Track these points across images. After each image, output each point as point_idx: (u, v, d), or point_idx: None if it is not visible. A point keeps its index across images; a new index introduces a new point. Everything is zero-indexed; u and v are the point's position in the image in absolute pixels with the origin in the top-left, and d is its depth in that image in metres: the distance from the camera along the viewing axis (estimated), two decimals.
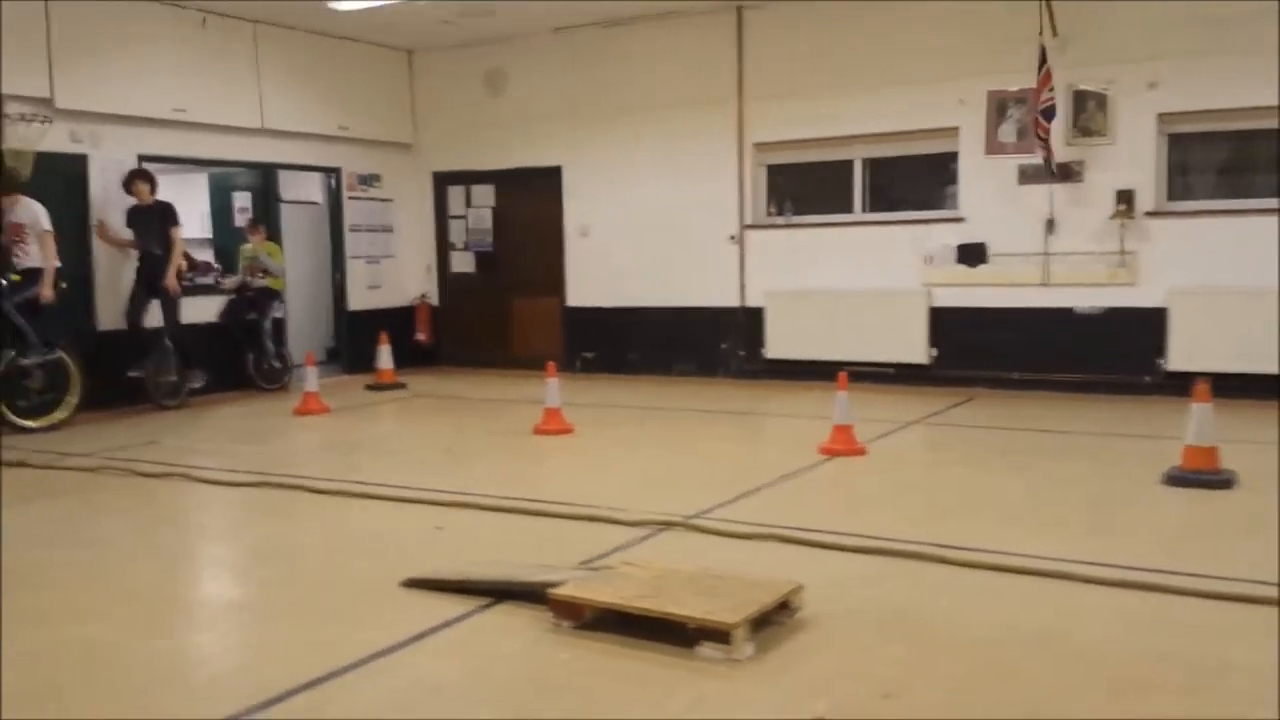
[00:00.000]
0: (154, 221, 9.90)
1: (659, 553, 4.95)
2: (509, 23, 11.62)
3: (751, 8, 11.00)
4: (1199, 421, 6.15)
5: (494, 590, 4.39)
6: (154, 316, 10.03)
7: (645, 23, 11.51)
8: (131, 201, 9.93)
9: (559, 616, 4.04)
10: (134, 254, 10.09)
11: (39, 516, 6.10)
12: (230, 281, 11.26)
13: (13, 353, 8.79)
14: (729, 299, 11.43)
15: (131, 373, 9.70)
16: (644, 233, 11.76)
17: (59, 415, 9.06)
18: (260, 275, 11.13)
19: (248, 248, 11.26)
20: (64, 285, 9.30)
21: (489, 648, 3.95)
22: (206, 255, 13.05)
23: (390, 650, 3.87)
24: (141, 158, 10.33)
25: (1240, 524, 5.43)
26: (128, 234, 10.01)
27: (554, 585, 4.13)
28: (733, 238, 11.36)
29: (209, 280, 11.53)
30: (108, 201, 10.04)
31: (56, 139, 9.55)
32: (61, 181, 9.62)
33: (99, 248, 10.04)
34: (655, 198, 11.72)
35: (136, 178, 9.86)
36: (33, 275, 8.89)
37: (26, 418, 8.88)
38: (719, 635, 3.70)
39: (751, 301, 11.30)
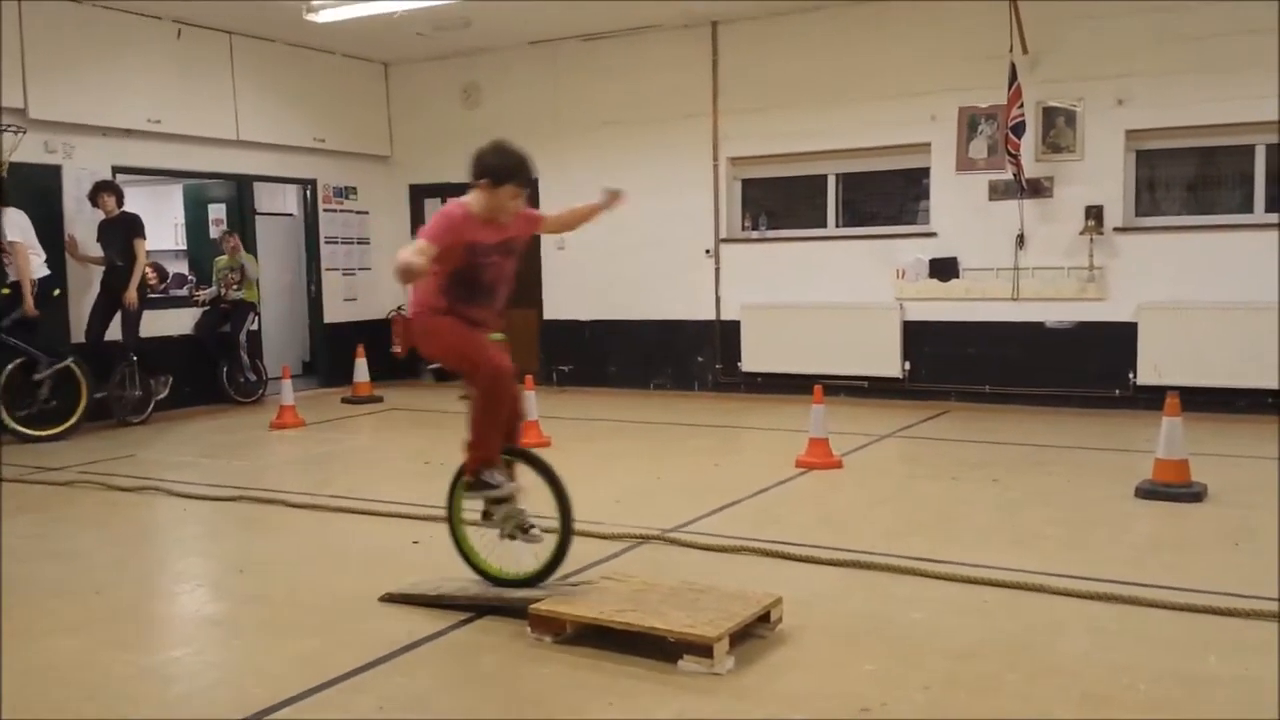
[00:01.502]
0: (119, 233, 9.80)
1: (638, 566, 4.97)
2: (485, 36, 11.65)
3: (726, 23, 11.08)
4: (1169, 435, 6.24)
5: (473, 605, 4.40)
6: (114, 330, 9.95)
7: (621, 37, 11.57)
8: (102, 215, 9.85)
9: (539, 631, 4.06)
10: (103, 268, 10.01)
11: (12, 530, 6.05)
12: (205, 294, 11.20)
13: (18, 362, 8.92)
14: (705, 313, 11.49)
15: (96, 394, 9.63)
16: (621, 246, 11.79)
17: (66, 425, 9.19)
18: (235, 286, 11.08)
19: (222, 260, 11.21)
20: (57, 292, 9.41)
21: (468, 663, 3.96)
22: (181, 268, 13.02)
23: (369, 666, 3.88)
24: (116, 169, 10.30)
25: (1211, 537, 5.50)
26: (96, 250, 9.90)
27: (534, 600, 4.15)
28: (708, 252, 11.41)
29: (183, 293, 11.50)
30: (80, 213, 9.97)
31: (30, 149, 9.48)
32: (35, 192, 9.56)
33: (70, 261, 9.96)
34: (631, 211, 11.51)
35: (101, 190, 9.76)
36: (17, 290, 8.92)
37: (31, 427, 8.96)
38: (700, 649, 3.73)
39: (727, 315, 11.35)
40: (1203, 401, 8.69)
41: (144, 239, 9.94)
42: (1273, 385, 8.90)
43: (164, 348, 10.52)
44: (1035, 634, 4.11)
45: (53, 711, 3.59)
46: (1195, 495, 6.12)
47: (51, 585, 5.00)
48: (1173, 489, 6.15)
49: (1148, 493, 6.21)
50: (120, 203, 9.87)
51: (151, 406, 10.04)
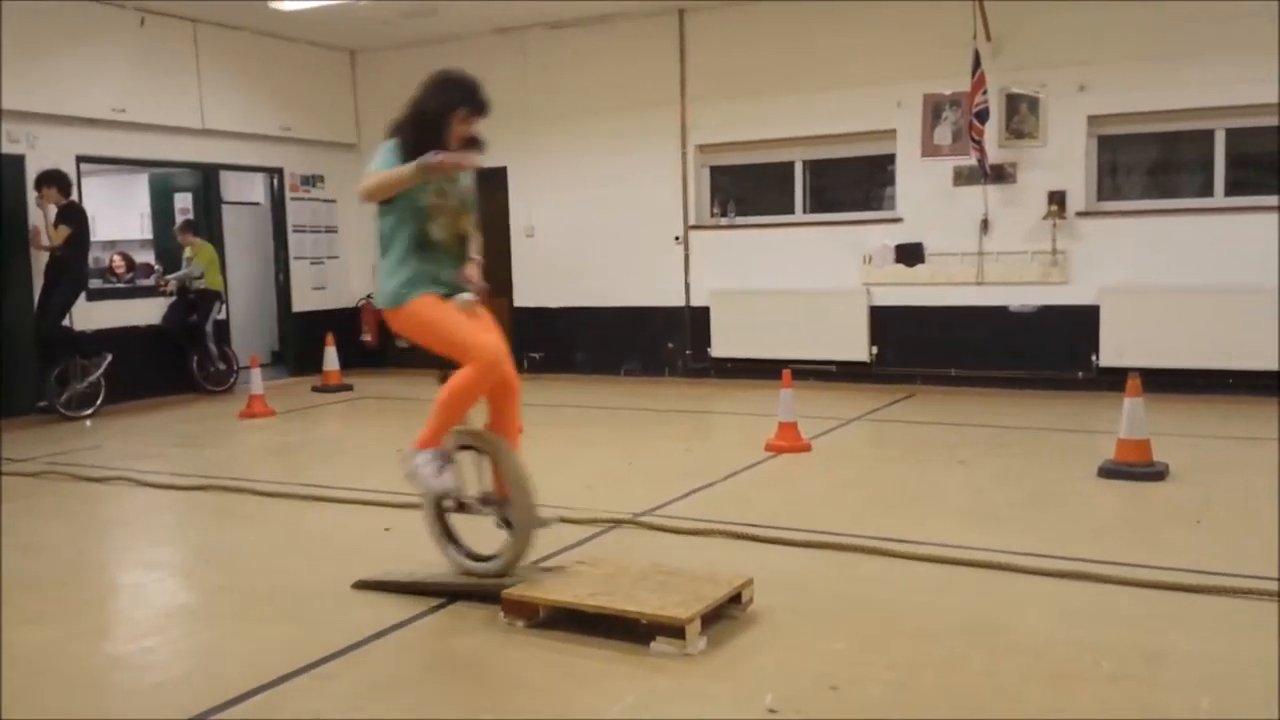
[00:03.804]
0: (59, 223, 9.60)
1: (609, 550, 5.02)
2: (451, 23, 11.60)
3: (693, 10, 11.09)
4: (1131, 416, 6.34)
5: (445, 590, 4.43)
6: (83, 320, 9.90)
7: (588, 24, 11.56)
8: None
9: (511, 615, 4.09)
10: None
11: None
12: (170, 283, 11.12)
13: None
14: (675, 299, 11.53)
15: (41, 403, 9.56)
16: (590, 233, 11.82)
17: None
18: (198, 278, 11.01)
19: (189, 253, 11.13)
20: None
21: (442, 648, 3.99)
22: (147, 257, 12.91)
23: (342, 652, 3.90)
24: (80, 158, 10.21)
25: (1173, 515, 5.60)
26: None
27: (506, 584, 4.18)
28: (677, 238, 11.45)
29: (150, 282, 11.41)
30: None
31: None
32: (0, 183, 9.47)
33: (36, 254, 9.86)
34: (600, 199, 11.78)
35: (43, 183, 9.54)
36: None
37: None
38: (672, 630, 3.77)
39: (697, 301, 11.40)
40: (1164, 383, 8.82)
41: (71, 227, 9.55)
42: (1231, 366, 9.05)
43: (131, 337, 10.47)
44: (1000, 612, 4.18)
45: (25, 702, 3.58)
46: (1157, 474, 6.23)
47: (20, 577, 4.97)
48: (1135, 468, 6.26)
49: (1110, 472, 6.31)
50: (67, 194, 9.64)
51: (99, 399, 9.83)
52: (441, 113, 4.34)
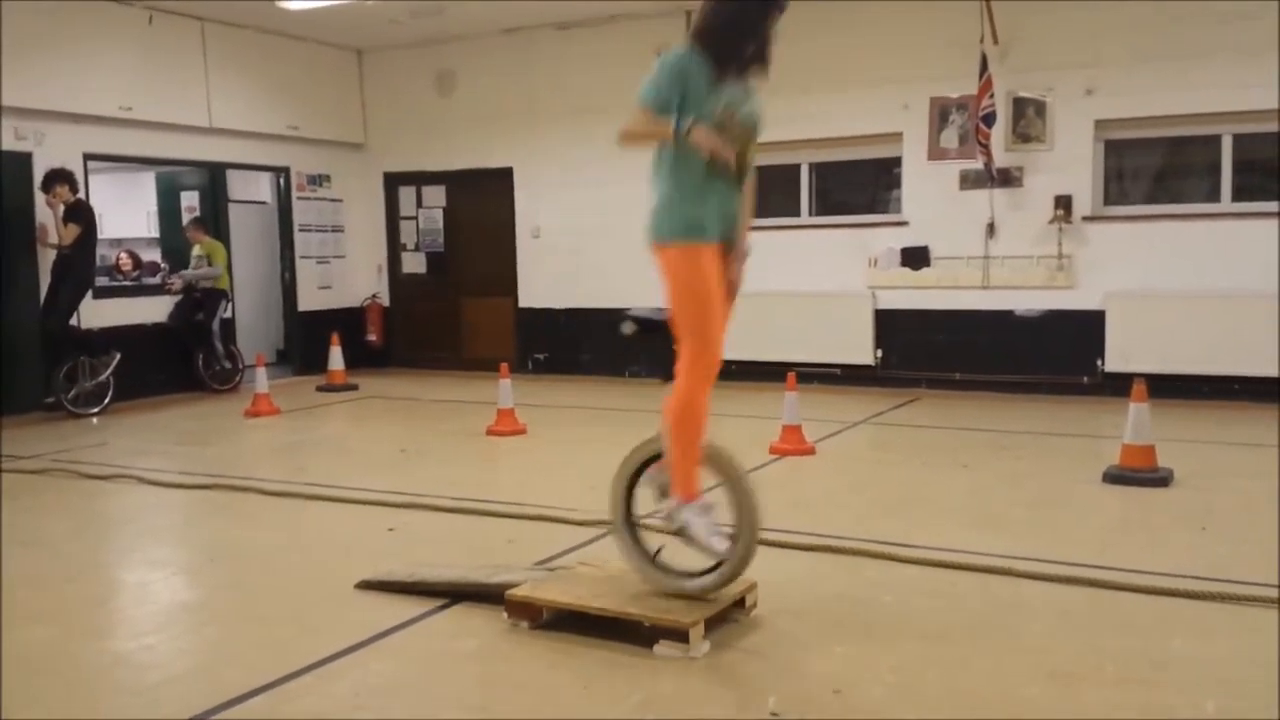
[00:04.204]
0: (67, 221, 9.62)
1: (613, 553, 4.99)
2: (459, 23, 11.62)
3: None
4: (1136, 421, 6.32)
5: (449, 591, 4.42)
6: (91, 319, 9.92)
7: (595, 25, 11.55)
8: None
9: (515, 617, 4.08)
10: None
11: None
12: (177, 282, 11.14)
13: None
14: None
15: (49, 399, 9.57)
16: (596, 234, 11.81)
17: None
18: (215, 279, 11.03)
19: (197, 250, 11.14)
20: None
21: (444, 649, 3.99)
22: (154, 255, 12.94)
23: (345, 652, 3.89)
24: (87, 156, 10.22)
25: (1177, 521, 5.59)
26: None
27: (510, 586, 4.17)
28: None
29: (156, 281, 11.43)
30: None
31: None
32: (6, 180, 9.48)
33: (42, 251, 9.88)
34: (607, 199, 11.76)
35: (53, 181, 9.55)
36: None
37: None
38: (676, 634, 3.76)
39: None
40: (1169, 388, 8.80)
41: (79, 224, 9.59)
42: (1236, 372, 9.03)
43: (137, 335, 10.49)
44: (1004, 616, 4.17)
45: (27, 700, 3.59)
46: (1161, 480, 6.21)
47: (23, 574, 4.98)
48: (1139, 474, 6.24)
49: (1115, 478, 6.29)
50: (74, 191, 9.68)
51: (108, 395, 9.85)
52: (760, 9, 3.79)
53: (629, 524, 4.18)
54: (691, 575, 4.01)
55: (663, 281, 3.86)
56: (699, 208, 3.79)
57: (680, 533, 3.93)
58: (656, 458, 4.12)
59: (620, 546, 4.17)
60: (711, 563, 3.98)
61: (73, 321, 9.75)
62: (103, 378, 9.80)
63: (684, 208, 3.79)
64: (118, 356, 9.88)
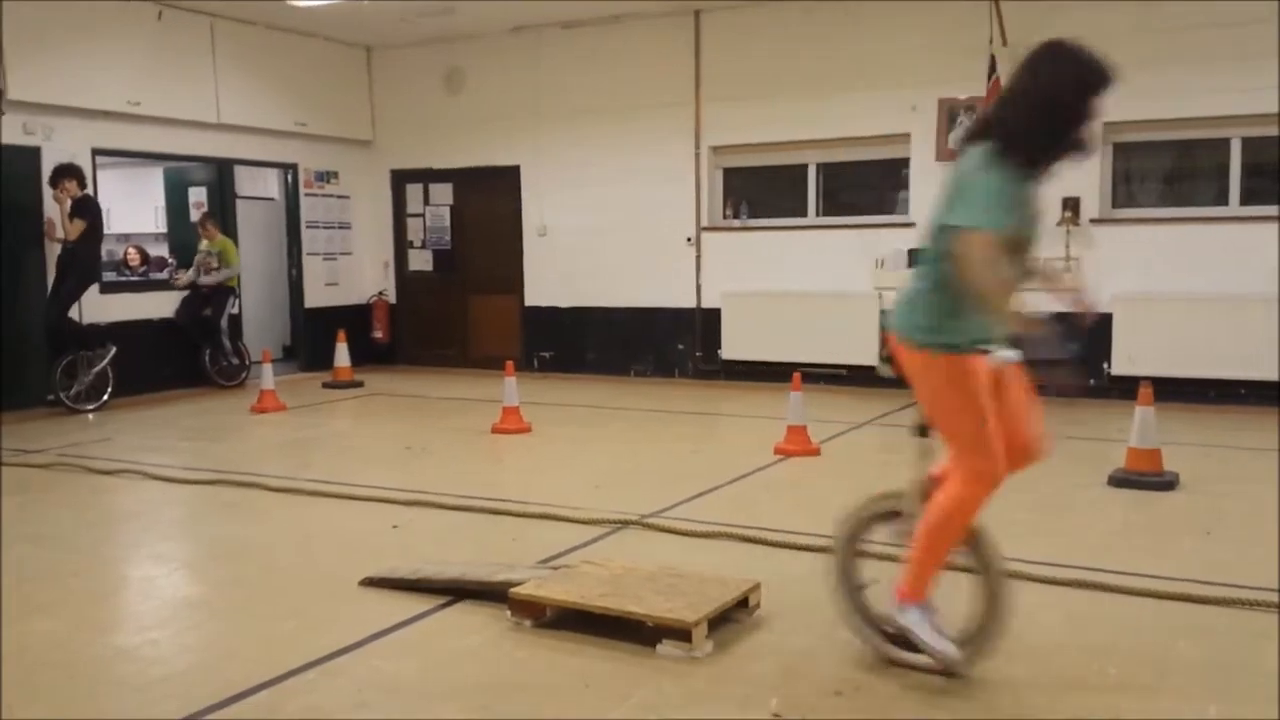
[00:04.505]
0: (74, 215, 9.60)
1: (617, 551, 5.01)
2: (468, 21, 11.62)
3: (709, 11, 11.08)
4: (1142, 424, 6.31)
5: (452, 589, 4.42)
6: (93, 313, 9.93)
7: (604, 24, 11.56)
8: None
9: (518, 615, 4.08)
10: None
11: None
12: (184, 278, 11.15)
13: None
14: (686, 300, 11.51)
15: (49, 396, 9.56)
16: (602, 233, 11.81)
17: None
18: (214, 269, 11.03)
19: (204, 244, 11.15)
20: None
21: (447, 646, 3.99)
22: (161, 250, 12.96)
23: (348, 649, 3.90)
24: (95, 151, 10.24)
25: (1182, 525, 5.58)
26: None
27: (514, 584, 4.18)
28: (690, 239, 11.44)
29: (163, 276, 11.45)
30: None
31: (9, 131, 9.43)
32: (14, 175, 9.50)
33: (49, 246, 9.90)
34: (613, 198, 11.78)
35: (61, 176, 9.55)
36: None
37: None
38: (679, 633, 3.76)
39: (708, 303, 11.38)
40: (1175, 392, 8.78)
41: (85, 219, 9.58)
42: (1243, 376, 9.01)
43: (144, 330, 10.51)
44: (1009, 618, 4.16)
45: (32, 693, 3.60)
46: (1167, 484, 6.20)
47: (29, 568, 4.99)
48: (1145, 477, 6.23)
49: (1120, 481, 6.28)
50: (82, 186, 9.67)
51: (107, 392, 9.82)
52: (1079, 99, 3.37)
53: (851, 588, 3.81)
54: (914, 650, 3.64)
55: (918, 386, 3.56)
56: (965, 324, 3.43)
57: (907, 635, 3.59)
58: (885, 516, 3.85)
59: (843, 613, 3.83)
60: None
61: (71, 315, 9.74)
62: (99, 369, 9.77)
63: (949, 322, 3.44)
64: (114, 350, 9.84)
